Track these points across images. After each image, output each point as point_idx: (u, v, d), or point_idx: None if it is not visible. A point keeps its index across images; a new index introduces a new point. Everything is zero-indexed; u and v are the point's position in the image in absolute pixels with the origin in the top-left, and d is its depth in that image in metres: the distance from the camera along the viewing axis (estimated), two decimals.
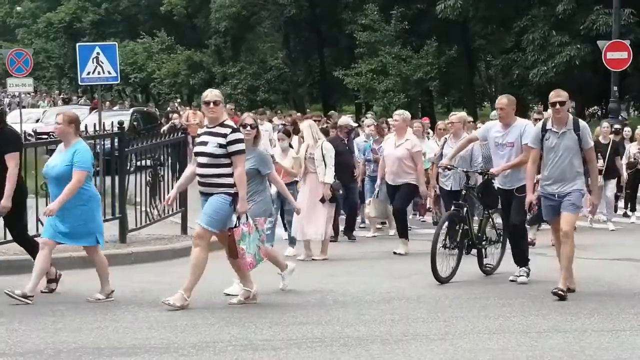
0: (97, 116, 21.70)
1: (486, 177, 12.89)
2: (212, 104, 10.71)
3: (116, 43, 24.29)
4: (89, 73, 20.46)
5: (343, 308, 10.64)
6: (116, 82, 24.55)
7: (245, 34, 56.10)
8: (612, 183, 19.40)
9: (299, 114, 30.70)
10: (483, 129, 13.50)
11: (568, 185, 11.52)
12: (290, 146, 15.34)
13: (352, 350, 8.63)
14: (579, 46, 35.29)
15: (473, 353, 8.51)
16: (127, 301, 10.99)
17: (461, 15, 39.90)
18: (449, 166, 13.48)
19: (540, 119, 15.29)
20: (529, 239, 13.82)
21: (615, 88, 28.72)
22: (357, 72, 44.88)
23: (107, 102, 51.96)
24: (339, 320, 9.94)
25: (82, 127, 12.10)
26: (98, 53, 20.54)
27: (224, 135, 10.52)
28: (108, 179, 15.94)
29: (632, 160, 20.04)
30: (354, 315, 10.22)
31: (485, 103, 52.60)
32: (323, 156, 14.76)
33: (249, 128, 11.39)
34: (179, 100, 45.43)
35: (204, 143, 10.63)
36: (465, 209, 12.62)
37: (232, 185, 10.44)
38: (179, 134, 18.24)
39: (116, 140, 15.86)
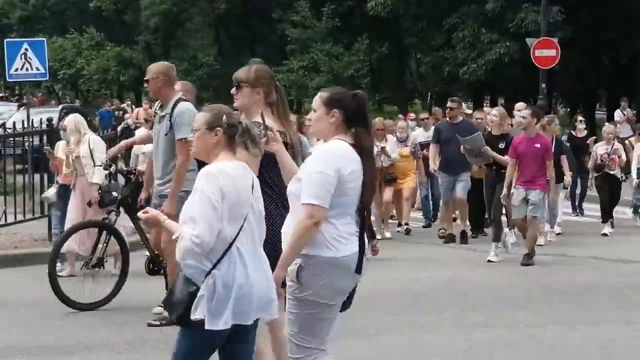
0: (25, 113, 21.42)
1: None
2: None
3: (45, 39, 23.97)
4: (17, 69, 20.14)
5: None
6: (45, 79, 24.28)
7: (176, 31, 55.80)
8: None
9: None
10: None
11: None
12: None
13: None
14: (508, 44, 35.68)
15: (407, 348, 8.56)
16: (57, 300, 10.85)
17: (392, 13, 40.11)
18: None
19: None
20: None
21: (544, 85, 29.03)
22: (288, 69, 44.92)
23: (35, 99, 51.38)
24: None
25: (9, 124, 11.93)
26: (26, 49, 20.23)
27: None
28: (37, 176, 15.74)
29: (599, 162, 17.42)
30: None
31: (416, 100, 52.93)
32: (91, 153, 12.25)
33: None
34: (128, 100, 44.53)
35: None
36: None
37: None
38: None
39: (45, 137, 15.67)
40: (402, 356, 8.25)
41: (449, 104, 16.12)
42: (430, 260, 13.77)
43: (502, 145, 14.15)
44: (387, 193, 16.23)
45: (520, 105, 16.54)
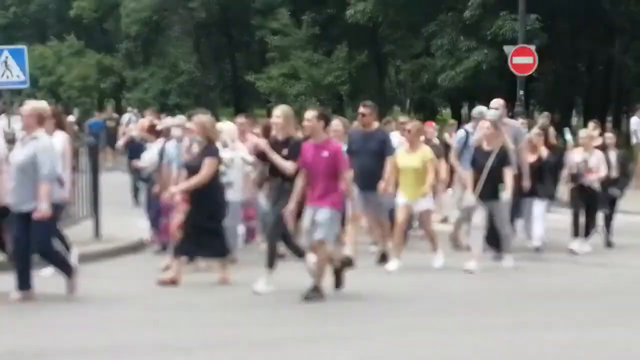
0: (6, 120, 21.41)
1: None
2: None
3: (25, 47, 23.98)
4: None
5: (259, 308, 10.71)
6: (25, 87, 24.27)
7: (156, 39, 55.79)
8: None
9: None
10: None
11: None
12: None
13: (267, 352, 8.72)
14: (486, 51, 35.82)
15: (384, 352, 8.66)
16: (37, 305, 10.91)
17: (371, 20, 40.25)
18: None
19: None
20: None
21: (522, 92, 29.25)
22: (268, 76, 44.99)
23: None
24: (256, 321, 10.03)
25: None
26: (7, 57, 20.24)
27: None
28: None
29: (573, 171, 15.60)
30: (270, 316, 10.32)
31: (396, 107, 53.07)
32: None
33: None
34: (134, 109, 43.73)
35: None
36: None
37: None
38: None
39: None
40: None
41: (360, 109, 14.18)
42: (408, 265, 13.87)
43: (285, 152, 11.90)
44: None
45: (495, 102, 14.98)
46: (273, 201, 11.92)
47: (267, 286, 11.45)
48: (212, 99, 52.67)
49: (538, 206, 15.23)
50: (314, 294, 10.97)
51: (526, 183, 14.71)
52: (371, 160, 13.56)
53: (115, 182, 20.64)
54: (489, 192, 13.45)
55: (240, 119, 15.80)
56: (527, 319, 10.22)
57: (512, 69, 28.87)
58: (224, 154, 13.10)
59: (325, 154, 11.15)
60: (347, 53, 44.28)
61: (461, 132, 16.09)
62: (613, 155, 16.17)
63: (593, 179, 15.49)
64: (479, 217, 13.56)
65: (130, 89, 53.97)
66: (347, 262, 11.68)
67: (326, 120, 11.53)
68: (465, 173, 14.45)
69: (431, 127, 18.95)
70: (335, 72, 43.33)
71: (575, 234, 15.51)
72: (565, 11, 38.03)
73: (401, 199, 13.64)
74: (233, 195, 13.29)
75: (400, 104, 52.36)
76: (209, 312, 10.58)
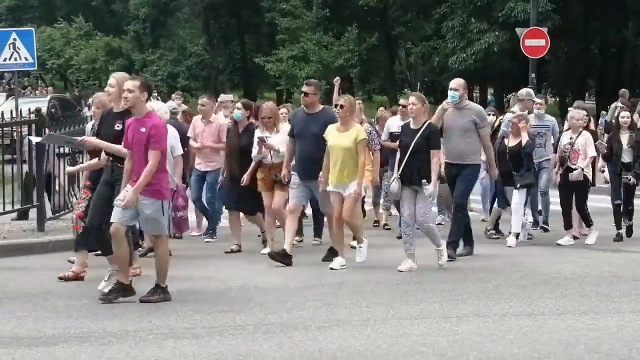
0: (14, 102, 21.32)
1: None
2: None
3: (33, 29, 23.89)
4: (5, 59, 20.08)
5: (265, 295, 10.62)
6: (33, 69, 24.23)
7: (165, 20, 55.69)
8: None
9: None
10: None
11: None
12: None
13: (275, 337, 8.61)
14: (497, 33, 35.69)
15: (394, 338, 8.54)
16: (45, 290, 10.85)
17: (381, 2, 40.11)
18: None
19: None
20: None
21: (533, 75, 29.04)
22: (278, 59, 44.86)
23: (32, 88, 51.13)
24: (260, 307, 9.92)
25: None
26: (15, 39, 20.17)
27: None
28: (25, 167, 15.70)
29: (562, 154, 14.67)
30: (276, 302, 10.20)
31: (406, 90, 52.92)
32: None
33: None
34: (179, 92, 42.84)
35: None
36: None
37: None
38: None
39: (33, 127, 15.59)
40: (389, 347, 8.23)
41: (304, 87, 12.97)
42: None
43: (118, 126, 10.40)
44: (277, 199, 13.27)
45: (454, 82, 13.40)
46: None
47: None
48: (221, 81, 52.59)
49: (516, 196, 14.25)
50: (153, 295, 10.12)
51: (493, 171, 13.77)
52: (313, 145, 12.49)
53: None
54: (412, 175, 12.09)
55: (203, 100, 15.33)
56: (539, 305, 10.07)
57: (524, 51, 28.63)
58: None
59: (143, 129, 9.85)
60: (357, 35, 44.13)
61: (508, 115, 15.41)
62: (625, 138, 14.83)
63: (578, 162, 14.34)
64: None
65: (139, 71, 53.85)
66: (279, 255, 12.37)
67: (149, 90, 10.15)
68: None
69: None
70: (345, 55, 43.17)
71: (566, 226, 14.60)
72: None
73: (329, 186, 12.31)
74: None
75: (411, 86, 52.16)
76: (216, 299, 10.44)
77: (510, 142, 14.44)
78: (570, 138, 14.52)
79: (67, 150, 15.61)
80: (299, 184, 12.75)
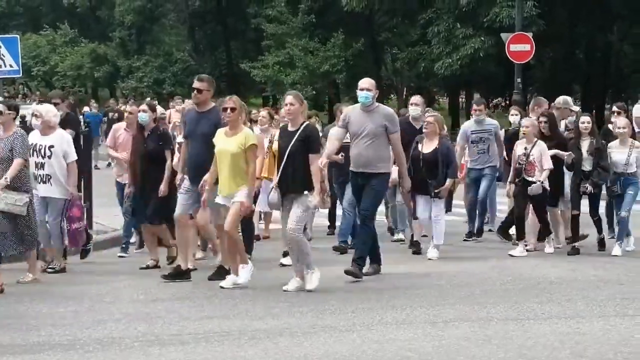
0: None
1: None
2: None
3: (18, 36, 23.84)
4: None
5: (251, 301, 10.59)
6: (18, 76, 24.14)
7: (151, 27, 55.67)
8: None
9: None
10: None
11: None
12: None
13: (260, 343, 8.59)
14: (482, 38, 35.75)
15: (380, 344, 8.53)
16: (30, 298, 10.81)
17: (367, 8, 40.14)
18: None
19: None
20: None
21: (519, 80, 29.12)
22: (264, 65, 44.86)
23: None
24: (246, 313, 9.90)
25: None
26: None
27: None
28: None
29: (517, 165, 14.04)
30: (262, 308, 10.18)
31: (392, 95, 52.95)
32: None
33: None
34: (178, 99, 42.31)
35: None
36: None
37: None
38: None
39: None
40: (374, 353, 8.22)
41: (195, 83, 12.07)
42: (402, 257, 13.74)
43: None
44: (199, 213, 12.06)
45: (363, 82, 12.38)
46: None
47: None
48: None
49: (435, 206, 13.58)
50: None
51: (405, 182, 12.49)
52: (203, 146, 11.60)
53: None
54: (288, 182, 11.07)
55: (132, 108, 14.42)
56: (524, 309, 10.08)
57: (509, 56, 28.71)
58: (34, 139, 12.32)
59: None
60: (343, 41, 44.14)
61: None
62: (585, 144, 14.00)
63: (537, 175, 13.76)
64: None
65: (125, 78, 53.81)
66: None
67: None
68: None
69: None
70: (331, 60, 43.20)
71: (519, 237, 14.01)
72: None
73: (218, 197, 11.34)
74: (50, 190, 12.41)
75: (397, 92, 52.19)
76: (201, 305, 10.43)
77: (425, 147, 13.55)
78: (525, 148, 13.92)
79: None
80: (188, 190, 11.80)
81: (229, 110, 11.24)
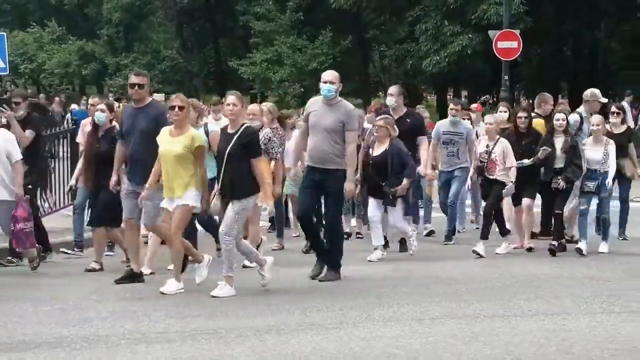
0: None
1: None
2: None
3: (5, 33, 23.76)
4: None
5: (238, 299, 10.58)
6: (5, 73, 24.06)
7: (138, 25, 55.56)
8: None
9: None
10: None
11: None
12: None
13: (247, 341, 8.58)
14: (470, 36, 35.78)
15: (367, 341, 8.54)
16: (16, 296, 10.79)
17: (355, 5, 40.15)
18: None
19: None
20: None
21: (506, 77, 29.15)
22: (252, 62, 44.83)
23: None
24: (233, 311, 9.89)
25: None
26: None
27: None
28: None
29: (478, 163, 13.96)
30: (249, 306, 10.18)
31: (380, 92, 52.99)
32: None
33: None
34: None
35: None
36: None
37: None
38: None
39: None
40: (361, 350, 8.22)
41: (133, 78, 11.55)
42: (388, 254, 13.74)
43: None
44: None
45: (328, 75, 11.95)
46: None
47: None
48: (195, 85, 52.51)
49: (391, 213, 13.24)
50: None
51: (348, 186, 11.70)
52: (142, 143, 11.15)
53: None
54: (226, 187, 10.63)
55: (93, 100, 14.02)
56: (511, 306, 10.10)
57: (496, 54, 28.74)
58: None
59: None
60: (331, 38, 44.14)
61: (575, 116, 14.79)
62: (559, 142, 13.84)
63: (496, 172, 13.65)
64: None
65: (112, 75, 53.70)
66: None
67: None
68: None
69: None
70: (319, 58, 43.20)
71: (483, 235, 13.78)
72: None
73: (165, 202, 10.87)
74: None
75: (385, 89, 52.22)
76: (187, 304, 10.41)
77: (375, 150, 13.25)
78: (487, 146, 13.75)
79: None
80: (131, 192, 11.33)
81: (176, 109, 10.73)
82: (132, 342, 8.59)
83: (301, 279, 11.88)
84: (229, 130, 10.71)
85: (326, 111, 11.59)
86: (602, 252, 13.91)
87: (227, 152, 10.53)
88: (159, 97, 16.80)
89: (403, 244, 13.99)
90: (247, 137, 10.58)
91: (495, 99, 45.17)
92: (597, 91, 15.12)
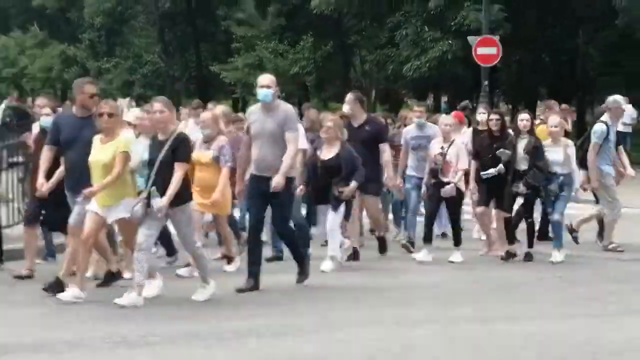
0: None
1: None
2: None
3: None
4: None
5: (218, 303, 10.60)
6: None
7: (120, 29, 55.45)
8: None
9: None
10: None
11: None
12: None
13: (229, 344, 8.63)
14: (450, 42, 35.86)
15: (347, 344, 8.60)
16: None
17: (336, 11, 40.20)
18: None
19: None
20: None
21: (486, 82, 29.29)
22: (233, 67, 44.84)
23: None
24: (214, 315, 9.92)
25: None
26: None
27: None
28: None
29: (432, 165, 13.63)
30: (230, 309, 10.22)
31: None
32: None
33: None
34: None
35: None
36: None
37: None
38: None
39: None
40: (341, 353, 8.28)
41: (88, 87, 11.17)
42: (369, 259, 13.79)
43: None
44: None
45: (263, 79, 11.64)
46: None
47: None
48: (177, 89, 52.44)
49: (331, 217, 12.58)
50: None
51: (277, 178, 10.97)
52: (84, 154, 10.59)
53: None
54: (156, 196, 10.14)
55: (40, 101, 13.38)
56: (490, 310, 10.18)
57: (476, 59, 28.86)
58: None
59: None
60: (312, 44, 44.18)
61: (601, 127, 14.38)
62: (522, 143, 13.47)
63: (450, 175, 13.42)
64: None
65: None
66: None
67: None
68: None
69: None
70: (300, 63, 43.24)
71: (426, 239, 13.58)
72: (529, 1, 38.14)
73: (93, 206, 10.39)
74: None
75: (366, 94, 52.32)
76: (169, 307, 10.43)
77: (324, 154, 12.71)
78: (442, 147, 13.49)
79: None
80: (75, 202, 10.87)
81: (105, 116, 10.29)
82: (112, 345, 8.61)
83: (281, 282, 11.91)
84: (160, 138, 10.20)
85: (266, 117, 11.14)
86: (555, 262, 13.37)
87: (159, 160, 10.09)
88: (124, 101, 16.61)
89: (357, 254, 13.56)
90: (178, 144, 10.11)
91: (474, 105, 45.27)
92: (619, 97, 14.80)
